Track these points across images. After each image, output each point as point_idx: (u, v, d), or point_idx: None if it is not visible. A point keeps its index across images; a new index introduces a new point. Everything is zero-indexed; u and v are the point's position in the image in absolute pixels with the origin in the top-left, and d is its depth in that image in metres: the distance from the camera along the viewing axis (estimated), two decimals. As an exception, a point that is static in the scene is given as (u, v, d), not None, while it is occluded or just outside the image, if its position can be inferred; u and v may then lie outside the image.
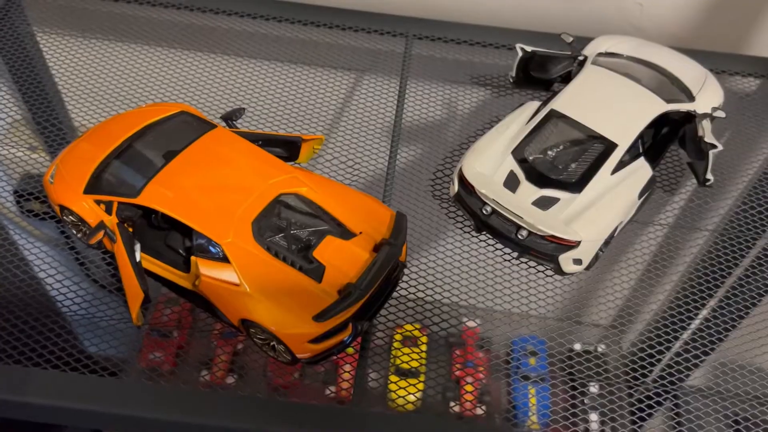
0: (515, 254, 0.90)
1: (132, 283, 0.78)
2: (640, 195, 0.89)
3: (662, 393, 0.85)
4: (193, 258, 0.79)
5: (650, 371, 0.92)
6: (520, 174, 0.88)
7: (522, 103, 0.98)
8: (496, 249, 0.91)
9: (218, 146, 0.86)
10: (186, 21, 1.24)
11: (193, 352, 1.03)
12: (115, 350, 0.86)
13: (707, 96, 0.97)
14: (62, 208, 0.86)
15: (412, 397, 0.96)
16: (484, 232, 0.90)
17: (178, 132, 0.89)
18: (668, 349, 0.95)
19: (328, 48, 1.18)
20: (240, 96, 1.10)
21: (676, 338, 0.94)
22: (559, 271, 0.86)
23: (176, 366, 1.01)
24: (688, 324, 0.93)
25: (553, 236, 0.83)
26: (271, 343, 0.79)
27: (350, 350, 0.84)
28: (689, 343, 0.90)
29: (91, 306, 0.87)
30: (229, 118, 0.93)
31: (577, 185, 0.86)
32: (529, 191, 0.86)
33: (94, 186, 0.85)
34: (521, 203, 0.85)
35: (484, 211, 0.87)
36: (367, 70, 1.15)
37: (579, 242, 0.83)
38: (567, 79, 1.04)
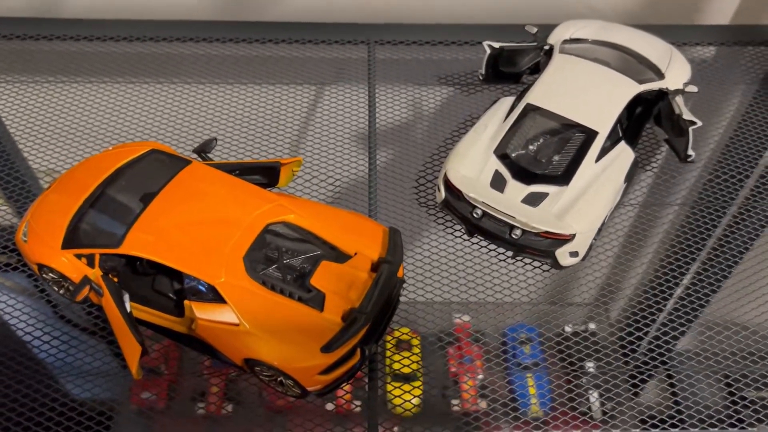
0: (510, 253, 0.89)
1: (127, 337, 0.75)
2: (626, 179, 0.89)
3: (654, 360, 0.86)
4: (186, 302, 0.77)
5: (641, 342, 0.93)
6: (506, 173, 0.87)
7: (495, 99, 0.98)
8: (475, 244, 0.90)
9: (196, 182, 0.84)
10: (138, 52, 1.20)
11: (186, 386, 1.00)
12: (105, 393, 0.83)
13: (676, 71, 0.98)
14: (40, 266, 0.83)
15: (413, 402, 0.95)
16: (476, 235, 0.89)
17: (152, 172, 0.86)
18: (654, 320, 0.96)
19: (289, 63, 1.16)
20: (206, 124, 1.07)
21: (661, 309, 0.95)
22: (556, 265, 0.86)
23: (170, 402, 0.99)
24: (671, 292, 0.94)
25: (547, 232, 0.82)
26: (279, 379, 0.76)
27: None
28: (673, 312, 0.92)
29: (70, 347, 0.85)
30: (202, 151, 0.91)
31: (563, 177, 0.86)
32: (517, 189, 0.86)
33: (71, 240, 0.81)
34: (511, 202, 0.84)
35: (475, 215, 0.86)
36: (333, 82, 1.13)
37: (574, 235, 0.83)
38: (535, 70, 1.04)
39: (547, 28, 1.05)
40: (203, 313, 0.76)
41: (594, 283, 0.91)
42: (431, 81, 1.12)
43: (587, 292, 0.98)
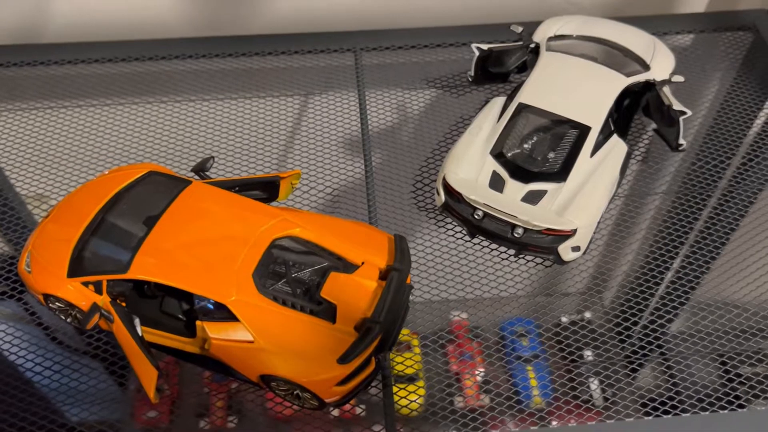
0: (512, 252, 0.90)
1: (141, 361, 0.75)
2: (621, 171, 0.90)
3: (650, 344, 0.89)
4: (198, 323, 0.77)
5: (635, 327, 0.95)
6: (504, 173, 0.88)
7: (486, 100, 0.99)
8: (468, 242, 0.92)
9: (199, 202, 0.84)
10: (124, 73, 1.20)
11: (188, 402, 1.01)
12: (108, 414, 0.83)
13: (661, 62, 1.00)
14: (46, 296, 0.82)
15: (418, 402, 0.95)
16: (478, 236, 0.90)
17: (152, 194, 0.86)
18: (647, 305, 0.98)
19: (278, 75, 1.16)
20: (198, 141, 1.07)
21: (653, 294, 0.97)
22: (559, 261, 0.87)
23: (174, 419, 0.99)
24: (662, 277, 0.96)
25: (549, 229, 0.84)
26: (295, 392, 0.77)
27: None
28: (665, 296, 0.94)
29: (68, 371, 0.85)
30: (200, 170, 0.91)
31: (560, 174, 0.87)
32: (515, 188, 0.87)
33: (77, 268, 0.81)
34: (511, 202, 0.86)
35: (476, 216, 0.87)
36: (322, 91, 1.13)
37: (575, 230, 0.84)
38: (522, 68, 1.05)
39: (531, 26, 1.07)
40: (216, 332, 0.76)
41: (587, 272, 0.93)
42: (420, 84, 1.13)
43: (580, 281, 0.99)
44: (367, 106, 1.09)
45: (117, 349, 0.83)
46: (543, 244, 0.85)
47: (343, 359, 0.72)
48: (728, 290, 0.92)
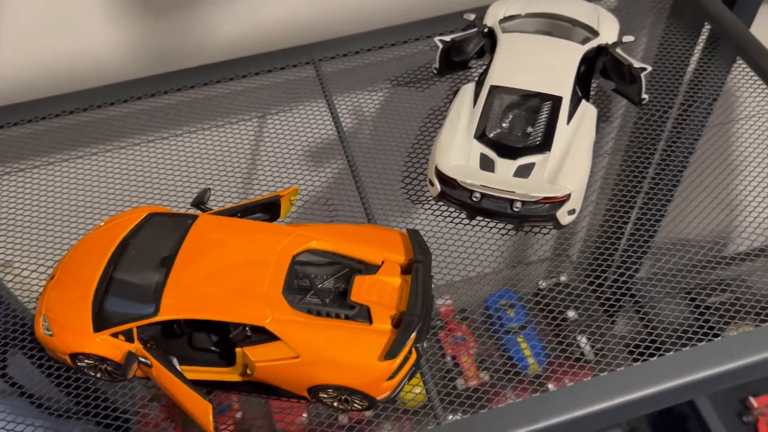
0: (512, 227, 0.95)
1: (192, 398, 0.76)
2: (596, 132, 0.96)
3: (623, 292, 0.93)
4: (238, 350, 0.78)
5: (606, 279, 1.00)
6: (492, 153, 0.92)
7: (456, 89, 1.03)
8: (436, 225, 0.94)
9: (211, 234, 0.85)
10: (73, 125, 1.16)
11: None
12: None
13: (607, 27, 1.06)
14: (74, 355, 0.82)
15: (418, 389, 0.97)
16: (478, 217, 0.94)
17: (161, 235, 0.86)
18: (613, 256, 1.05)
19: (244, 97, 1.17)
20: (182, 176, 1.07)
21: (617, 245, 1.03)
22: (557, 226, 0.92)
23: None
24: (623, 228, 1.02)
25: (546, 198, 0.88)
26: (343, 397, 0.79)
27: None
28: (628, 248, 0.99)
29: None
30: (200, 203, 0.91)
31: (543, 145, 0.92)
32: (506, 166, 0.91)
33: (102, 321, 0.81)
34: (505, 179, 0.90)
35: (474, 199, 0.91)
36: (292, 106, 1.15)
37: (569, 194, 0.89)
38: (481, 54, 1.10)
39: (480, 10, 1.11)
40: (259, 355, 0.77)
41: (551, 234, 0.96)
42: (384, 84, 1.16)
43: (548, 246, 1.03)
44: (339, 113, 1.12)
45: (107, 404, 0.83)
46: (542, 212, 0.90)
47: (390, 354, 0.75)
48: (685, 229, 0.98)
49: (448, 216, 0.97)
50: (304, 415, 1.31)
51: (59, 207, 1.05)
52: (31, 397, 0.90)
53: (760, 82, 1.13)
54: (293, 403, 1.15)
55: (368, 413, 0.90)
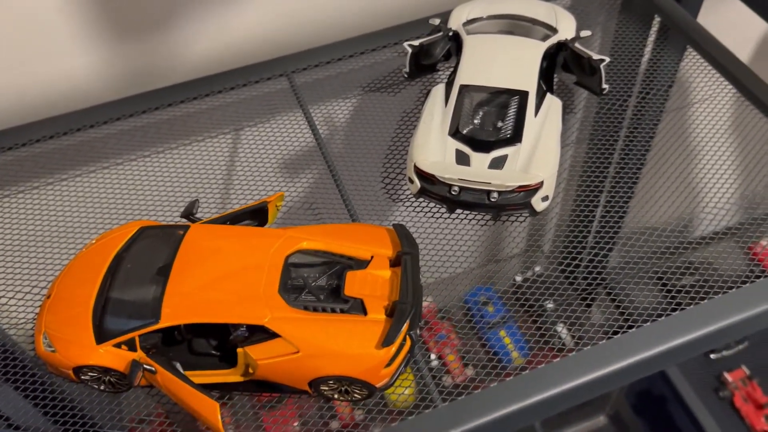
0: (490, 217, 0.99)
1: (199, 399, 0.79)
2: (562, 122, 1.02)
3: (596, 280, 0.98)
4: (239, 350, 0.81)
5: (578, 268, 1.04)
6: (466, 149, 0.97)
7: (427, 91, 1.08)
8: (415, 224, 0.98)
9: (204, 242, 0.88)
10: (52, 149, 1.17)
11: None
12: None
13: (565, 24, 1.12)
14: (77, 369, 0.84)
15: (409, 390, 1.01)
16: (457, 210, 0.99)
17: (155, 247, 0.89)
18: (584, 246, 1.10)
19: (222, 112, 1.20)
20: (168, 192, 1.10)
21: (586, 235, 1.07)
22: (533, 212, 0.97)
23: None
24: (592, 217, 1.06)
25: (521, 186, 0.93)
26: (343, 388, 0.83)
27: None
28: (597, 237, 1.03)
29: None
30: (190, 214, 0.94)
31: (514, 138, 0.98)
32: (480, 159, 0.96)
33: (103, 333, 0.83)
34: (481, 172, 0.95)
35: (453, 192, 0.95)
36: (268, 119, 1.19)
37: (542, 182, 0.94)
38: (448, 56, 1.15)
39: (444, 15, 1.17)
40: (260, 353, 0.80)
41: (522, 226, 1.00)
42: (357, 91, 1.21)
43: (521, 240, 1.06)
44: (315, 121, 1.16)
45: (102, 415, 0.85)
46: (517, 201, 0.95)
47: (387, 341, 0.79)
48: (652, 215, 1.03)
49: (429, 212, 1.02)
50: (295, 423, 1.34)
51: (42, 232, 1.05)
52: (8, 419, 0.90)
53: (710, 68, 1.20)
54: (285, 412, 1.17)
55: (358, 416, 0.92)
